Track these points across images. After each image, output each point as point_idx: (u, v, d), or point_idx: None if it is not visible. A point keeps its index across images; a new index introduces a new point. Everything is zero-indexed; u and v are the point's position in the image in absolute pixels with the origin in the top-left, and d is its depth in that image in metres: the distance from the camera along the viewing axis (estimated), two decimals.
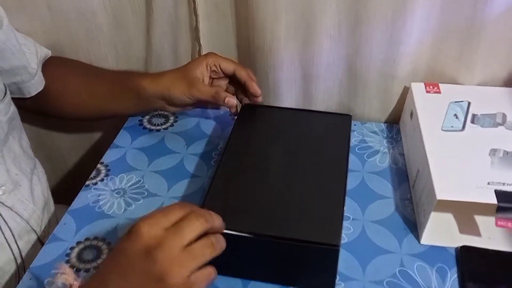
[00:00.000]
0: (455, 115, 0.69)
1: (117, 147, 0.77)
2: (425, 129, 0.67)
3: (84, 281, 0.53)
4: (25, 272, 0.59)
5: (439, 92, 0.74)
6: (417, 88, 0.74)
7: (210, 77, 0.74)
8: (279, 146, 0.65)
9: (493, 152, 0.63)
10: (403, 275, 0.57)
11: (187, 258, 0.46)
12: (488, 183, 0.58)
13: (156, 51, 0.83)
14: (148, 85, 0.73)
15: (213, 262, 0.49)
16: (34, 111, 0.83)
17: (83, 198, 0.68)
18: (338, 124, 0.69)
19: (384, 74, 0.76)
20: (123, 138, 0.78)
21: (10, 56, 0.69)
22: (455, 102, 0.72)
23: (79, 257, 0.60)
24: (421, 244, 0.61)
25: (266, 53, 0.76)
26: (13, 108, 0.69)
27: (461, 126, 0.67)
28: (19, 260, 0.66)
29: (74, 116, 0.83)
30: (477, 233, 0.61)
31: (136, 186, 0.70)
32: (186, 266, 0.45)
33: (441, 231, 0.61)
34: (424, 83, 0.75)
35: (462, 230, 0.62)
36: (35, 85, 0.75)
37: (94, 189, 0.69)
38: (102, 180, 0.71)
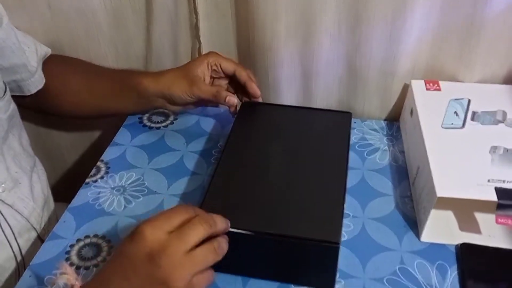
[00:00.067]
0: (455, 112, 0.69)
1: (117, 144, 0.77)
2: (425, 126, 0.67)
3: (84, 279, 0.54)
4: (25, 270, 0.59)
5: (439, 90, 0.74)
6: (417, 86, 0.74)
7: (211, 77, 0.74)
8: (279, 143, 0.65)
9: (493, 149, 0.63)
10: (403, 272, 0.57)
11: (189, 263, 0.46)
12: (488, 181, 0.58)
13: (156, 49, 0.83)
14: (148, 83, 0.73)
15: None
16: (34, 109, 0.83)
17: (83, 196, 0.68)
18: (338, 122, 0.69)
19: (384, 72, 0.76)
20: (123, 135, 0.78)
21: (10, 54, 0.69)
22: (455, 99, 0.72)
23: (79, 254, 0.60)
24: (421, 242, 0.61)
25: (266, 51, 0.76)
26: (13, 106, 0.69)
27: (461, 123, 0.67)
28: (19, 258, 0.66)
29: (74, 115, 0.83)
30: (477, 231, 0.61)
31: (136, 183, 0.70)
32: (189, 271, 0.46)
33: (441, 229, 0.61)
34: (424, 81, 0.75)
35: (462, 228, 0.62)
36: (35, 83, 0.75)
37: (94, 186, 0.69)
38: (102, 177, 0.71)
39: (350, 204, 0.66)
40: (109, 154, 0.75)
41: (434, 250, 0.60)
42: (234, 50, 0.82)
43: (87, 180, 0.70)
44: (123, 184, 0.70)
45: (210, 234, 0.48)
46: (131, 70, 0.86)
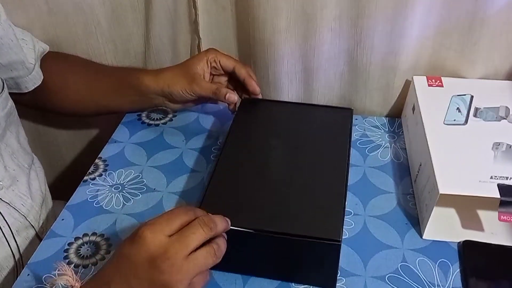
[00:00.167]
0: (458, 108, 0.69)
1: (115, 142, 0.76)
2: (428, 123, 0.66)
3: (83, 277, 0.53)
4: (23, 268, 0.58)
5: (442, 86, 0.73)
6: (419, 82, 0.74)
7: (211, 74, 0.74)
8: (279, 140, 0.65)
9: (496, 146, 0.62)
10: (405, 270, 0.57)
11: (190, 267, 0.46)
12: (491, 177, 0.58)
13: (155, 45, 0.83)
14: (148, 81, 0.72)
15: None
16: (32, 106, 0.82)
17: (81, 194, 0.67)
18: (339, 118, 0.68)
19: (385, 67, 0.76)
20: (121, 133, 0.78)
21: (8, 51, 0.68)
22: (458, 95, 0.71)
23: (77, 253, 0.60)
24: (423, 239, 0.61)
25: (267, 46, 0.75)
26: (10, 103, 0.69)
27: (463, 119, 0.67)
28: (17, 256, 0.65)
29: (73, 112, 0.83)
30: (480, 228, 0.61)
31: (134, 181, 0.69)
32: (189, 274, 0.46)
33: (443, 226, 0.61)
34: (426, 77, 0.75)
35: (464, 225, 0.61)
36: (32, 80, 0.74)
37: (92, 184, 0.69)
38: (100, 175, 0.70)
39: (351, 202, 0.65)
40: (108, 151, 0.74)
41: (436, 248, 0.59)
42: (234, 45, 0.82)
43: (85, 178, 0.70)
44: (121, 182, 0.69)
45: (211, 236, 0.48)
46: (130, 67, 0.86)
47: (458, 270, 0.57)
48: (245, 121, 0.69)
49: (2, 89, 0.67)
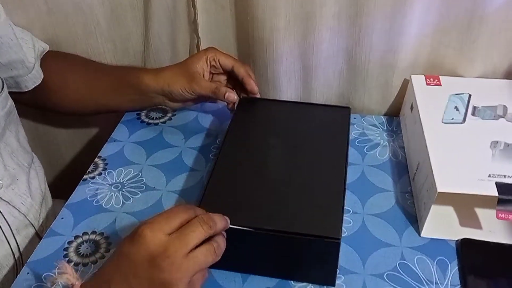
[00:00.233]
0: (456, 107, 0.69)
1: (114, 141, 0.76)
2: (426, 121, 0.66)
3: (82, 276, 0.53)
4: (23, 267, 0.58)
5: (440, 85, 0.74)
6: (418, 81, 0.74)
7: (210, 72, 0.74)
8: (278, 139, 0.65)
9: (494, 144, 0.62)
10: (403, 268, 0.57)
11: (190, 265, 0.46)
12: (489, 176, 0.58)
13: (154, 45, 0.83)
14: (148, 81, 0.72)
15: None
16: (32, 105, 0.82)
17: (80, 192, 0.68)
18: (337, 117, 0.68)
19: (384, 65, 0.76)
20: (121, 132, 0.78)
21: (7, 50, 0.69)
22: (456, 94, 0.71)
23: (77, 251, 0.60)
24: (422, 237, 0.61)
25: (265, 45, 0.75)
26: (10, 102, 0.69)
27: (461, 118, 0.67)
28: (17, 255, 0.65)
29: (73, 111, 0.83)
30: (478, 226, 0.61)
31: (134, 180, 0.69)
32: (189, 272, 0.46)
33: (441, 224, 0.61)
34: (425, 76, 0.75)
35: (462, 223, 0.61)
36: (32, 79, 0.74)
37: (92, 183, 0.69)
38: (100, 174, 0.70)
39: (350, 200, 0.65)
40: (107, 150, 0.74)
41: (434, 246, 0.60)
42: (233, 44, 0.82)
43: (84, 177, 0.70)
44: (121, 181, 0.69)
45: (210, 234, 0.49)
46: (130, 66, 0.85)
47: (456, 268, 0.57)
48: (243, 120, 0.69)
49: (2, 88, 0.67)
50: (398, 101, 0.80)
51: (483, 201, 0.57)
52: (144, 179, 0.70)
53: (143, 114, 0.82)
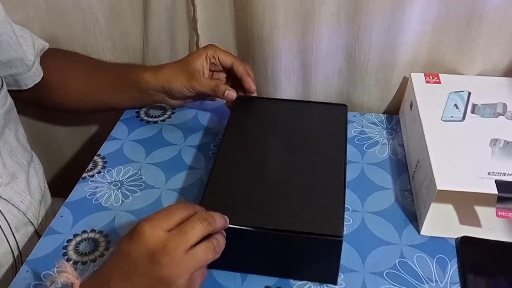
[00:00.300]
0: (455, 105, 0.69)
1: (114, 139, 0.76)
2: (425, 119, 0.66)
3: (82, 274, 0.53)
4: (22, 265, 0.58)
5: (439, 82, 0.73)
6: (417, 79, 0.74)
7: (210, 70, 0.74)
8: (276, 138, 0.64)
9: (494, 142, 0.62)
10: (403, 266, 0.57)
11: (190, 262, 0.46)
12: (489, 173, 0.58)
13: (154, 42, 0.82)
14: (148, 78, 0.72)
15: None
16: (32, 103, 0.82)
17: (80, 191, 0.68)
18: (334, 115, 0.68)
19: (383, 63, 0.76)
20: (120, 130, 0.78)
21: (7, 48, 0.68)
22: (455, 92, 0.71)
23: (76, 249, 0.60)
24: (421, 235, 0.61)
25: (265, 43, 0.75)
26: (9, 100, 0.69)
27: (461, 116, 0.67)
28: (16, 253, 0.65)
29: (73, 109, 0.83)
30: (478, 224, 0.61)
31: (133, 178, 0.69)
32: (189, 269, 0.46)
33: (441, 222, 0.61)
34: (424, 74, 0.75)
35: (462, 221, 0.61)
36: (32, 77, 0.74)
37: (91, 181, 0.69)
38: (99, 172, 0.70)
39: (349, 198, 0.65)
40: (106, 148, 0.74)
41: (434, 244, 0.60)
42: (232, 42, 0.82)
43: (84, 175, 0.70)
44: (120, 179, 0.69)
45: (210, 231, 0.48)
46: (130, 64, 0.85)
47: (456, 266, 0.57)
48: (240, 120, 0.68)
49: (1, 87, 0.67)
50: (397, 99, 0.80)
51: (483, 199, 0.57)
52: (143, 177, 0.69)
53: (142, 112, 0.81)
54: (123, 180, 0.69)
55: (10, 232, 0.65)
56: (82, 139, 0.98)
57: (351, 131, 0.76)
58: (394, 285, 0.55)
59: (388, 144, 0.75)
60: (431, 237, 0.60)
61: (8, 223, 0.64)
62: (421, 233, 0.61)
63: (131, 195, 0.67)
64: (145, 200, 0.66)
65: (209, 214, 0.49)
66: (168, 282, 0.45)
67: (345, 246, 0.59)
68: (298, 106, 0.72)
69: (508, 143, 0.62)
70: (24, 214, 0.67)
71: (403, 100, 0.78)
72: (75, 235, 0.61)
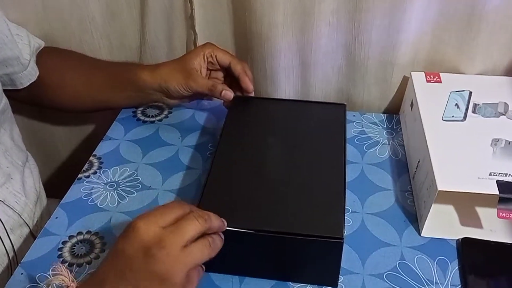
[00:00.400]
0: (456, 104, 0.68)
1: (110, 139, 0.75)
2: (426, 119, 0.66)
3: (77, 276, 0.53)
4: (17, 266, 0.57)
5: (440, 82, 0.73)
6: (418, 78, 0.73)
7: (208, 69, 0.73)
8: (274, 138, 0.64)
9: (495, 142, 0.62)
10: (403, 268, 0.57)
11: (186, 258, 0.45)
12: (490, 174, 0.57)
13: (151, 41, 0.82)
14: (146, 77, 0.72)
15: (211, 260, 0.48)
16: (28, 103, 0.82)
17: (75, 191, 0.67)
18: (333, 114, 0.67)
19: (383, 61, 0.75)
20: (116, 130, 0.77)
21: (2, 47, 0.68)
22: (456, 91, 0.71)
23: (72, 251, 0.59)
24: (422, 237, 0.60)
25: (264, 41, 0.75)
26: (5, 100, 0.68)
27: (462, 116, 0.66)
28: (11, 254, 0.65)
29: (71, 108, 0.82)
30: (479, 225, 0.60)
31: (129, 179, 0.69)
32: (186, 265, 0.45)
33: (442, 223, 0.60)
34: (425, 73, 0.74)
35: (463, 222, 0.61)
36: (27, 76, 0.74)
37: (86, 182, 0.68)
38: (94, 173, 0.69)
39: (349, 199, 0.65)
40: (102, 148, 0.74)
41: (434, 245, 0.59)
42: (231, 40, 0.81)
43: (79, 176, 0.69)
44: (116, 180, 0.68)
45: (205, 229, 0.48)
46: (127, 63, 0.85)
47: (457, 267, 0.56)
48: (238, 119, 0.68)
49: None
50: (397, 98, 0.79)
51: (484, 199, 0.56)
52: (140, 178, 0.69)
53: (139, 111, 0.81)
54: (119, 181, 0.68)
55: (5, 233, 0.64)
56: (78, 138, 0.97)
57: (351, 131, 0.76)
58: (394, 287, 0.55)
59: (388, 144, 0.74)
60: (432, 238, 0.60)
61: (3, 224, 0.64)
62: (422, 234, 0.60)
63: (127, 196, 0.66)
64: (142, 201, 0.65)
65: (204, 212, 0.49)
66: (164, 278, 0.44)
67: (345, 248, 0.58)
68: (296, 106, 0.71)
69: (509, 143, 0.61)
70: (19, 215, 0.66)
71: (404, 100, 0.78)
72: (71, 237, 0.61)
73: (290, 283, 0.55)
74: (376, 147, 0.73)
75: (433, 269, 0.56)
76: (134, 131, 0.77)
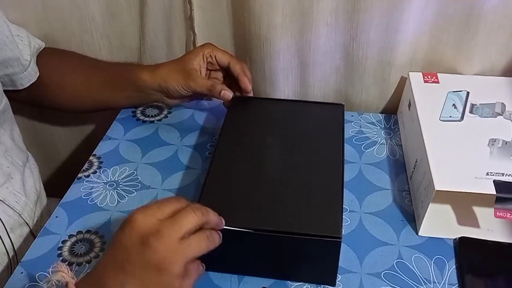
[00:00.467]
0: (454, 105, 0.68)
1: (110, 138, 0.76)
2: (423, 119, 0.66)
3: (77, 275, 0.53)
4: (17, 266, 0.58)
5: (437, 82, 0.73)
6: (415, 78, 0.74)
7: (207, 69, 0.73)
8: (272, 138, 0.64)
9: (492, 142, 0.62)
10: (400, 267, 0.57)
11: (184, 249, 0.45)
12: (487, 174, 0.57)
13: (150, 41, 0.82)
14: (145, 77, 0.72)
15: (210, 259, 0.48)
16: (28, 103, 0.82)
17: (75, 191, 0.67)
18: (331, 114, 0.68)
19: (381, 61, 0.75)
20: (116, 129, 0.77)
21: (3, 48, 0.68)
22: (454, 91, 0.71)
23: (71, 250, 0.59)
24: (419, 236, 0.60)
25: (262, 42, 0.75)
26: (5, 100, 0.69)
27: (459, 116, 0.66)
28: (11, 253, 0.65)
29: (71, 108, 0.82)
30: (476, 225, 0.61)
31: (129, 178, 0.69)
32: (183, 257, 0.45)
33: (439, 223, 0.60)
34: (422, 73, 0.74)
35: (460, 222, 0.61)
36: (28, 76, 0.74)
37: (86, 181, 0.68)
38: (94, 172, 0.70)
39: (347, 198, 0.65)
40: (102, 148, 0.74)
41: (432, 244, 0.59)
42: (230, 41, 0.81)
43: (79, 175, 0.69)
44: (116, 179, 0.69)
45: (203, 223, 0.48)
46: (127, 63, 0.85)
47: (454, 266, 0.57)
48: (236, 120, 0.68)
49: None
50: (395, 98, 0.79)
51: (481, 199, 0.56)
52: (139, 177, 0.69)
53: (138, 111, 0.81)
54: (119, 180, 0.68)
55: (5, 232, 0.64)
56: (78, 138, 0.98)
57: (349, 131, 0.76)
58: (391, 286, 0.55)
59: (386, 144, 0.74)
60: (429, 237, 0.60)
61: (3, 224, 0.64)
62: (419, 233, 0.60)
63: (127, 196, 0.66)
64: (141, 201, 0.65)
65: (202, 206, 0.49)
66: (161, 268, 0.44)
67: (342, 247, 0.58)
68: (295, 106, 0.71)
69: (506, 143, 0.61)
70: (20, 215, 0.67)
71: (401, 100, 0.78)
72: (70, 236, 0.61)
73: (289, 282, 0.56)
74: (374, 147, 0.74)
75: (431, 268, 0.56)
76: (133, 131, 0.77)
